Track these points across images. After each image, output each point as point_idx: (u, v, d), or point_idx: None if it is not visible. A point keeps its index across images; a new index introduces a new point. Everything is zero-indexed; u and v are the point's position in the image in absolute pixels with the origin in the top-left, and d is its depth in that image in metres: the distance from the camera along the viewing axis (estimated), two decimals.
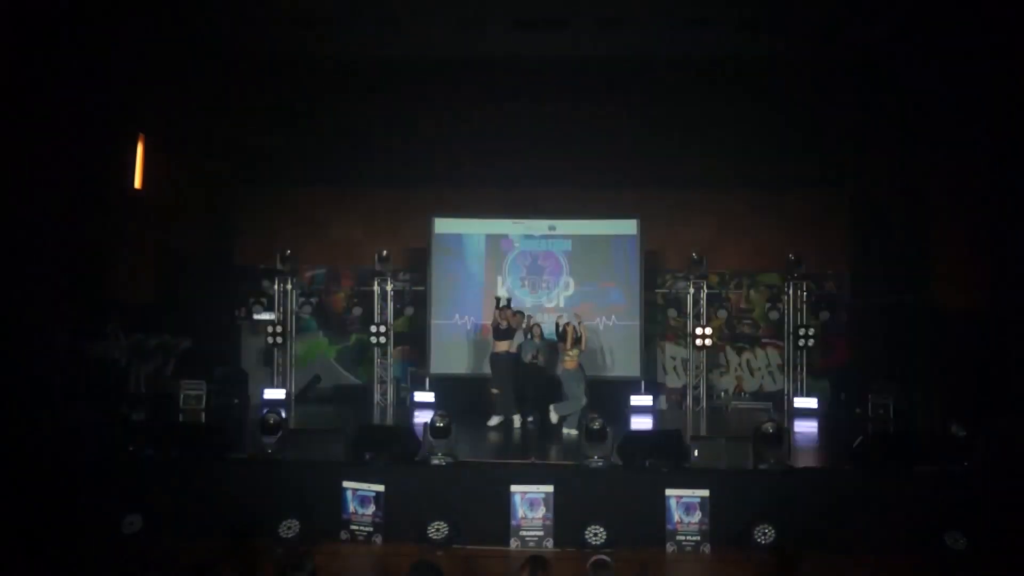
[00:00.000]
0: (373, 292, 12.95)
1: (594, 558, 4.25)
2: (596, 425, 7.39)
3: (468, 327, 12.51)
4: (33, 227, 9.24)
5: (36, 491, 6.87)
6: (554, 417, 9.90)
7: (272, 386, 12.68)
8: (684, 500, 6.93)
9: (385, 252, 12.63)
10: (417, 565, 4.24)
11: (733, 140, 13.23)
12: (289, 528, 6.80)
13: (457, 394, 11.78)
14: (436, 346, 12.62)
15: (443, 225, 13.00)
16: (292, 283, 13.05)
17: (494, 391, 10.57)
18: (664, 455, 7.29)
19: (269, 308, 12.76)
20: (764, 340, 13.85)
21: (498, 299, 11.08)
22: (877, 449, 7.43)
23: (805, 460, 8.15)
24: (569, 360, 10.08)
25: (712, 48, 12.33)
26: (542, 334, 10.76)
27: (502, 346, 10.54)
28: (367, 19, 11.54)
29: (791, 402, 12.43)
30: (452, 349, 12.60)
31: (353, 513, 6.99)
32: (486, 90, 13.14)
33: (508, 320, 10.59)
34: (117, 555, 5.48)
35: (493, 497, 6.98)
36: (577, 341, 10.06)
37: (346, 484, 7.04)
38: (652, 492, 6.98)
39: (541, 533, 6.89)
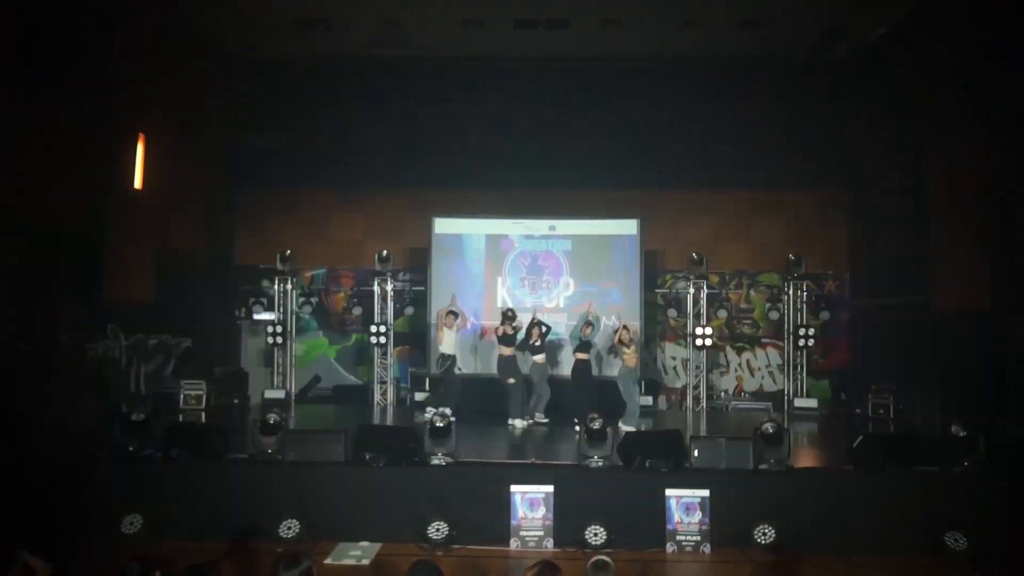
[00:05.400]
0: (373, 292, 12.95)
1: (594, 558, 4.24)
2: (596, 425, 7.39)
3: (468, 327, 12.48)
4: (33, 227, 9.23)
5: (36, 491, 6.87)
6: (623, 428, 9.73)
7: (272, 386, 12.69)
8: (684, 500, 6.94)
9: (385, 252, 12.64)
10: (417, 565, 4.24)
11: (733, 140, 13.24)
12: (289, 528, 6.80)
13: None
14: (436, 346, 12.58)
15: (443, 225, 12.99)
16: (292, 283, 13.05)
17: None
18: (664, 455, 7.29)
19: (269, 308, 12.77)
20: (764, 340, 13.86)
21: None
22: (877, 449, 7.43)
23: (805, 460, 8.16)
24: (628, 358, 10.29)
25: (712, 48, 12.34)
26: (542, 335, 10.74)
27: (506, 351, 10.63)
28: (367, 19, 11.55)
29: (791, 402, 12.43)
30: (452, 349, 12.56)
31: None
32: (486, 90, 13.15)
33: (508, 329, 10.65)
34: (117, 555, 5.47)
35: (493, 497, 6.99)
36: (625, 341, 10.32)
37: None
38: (652, 492, 6.98)
39: (541, 533, 6.90)
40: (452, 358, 11.00)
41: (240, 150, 13.71)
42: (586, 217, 13.06)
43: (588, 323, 10.72)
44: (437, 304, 12.35)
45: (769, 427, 7.34)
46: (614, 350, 10.86)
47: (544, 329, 10.64)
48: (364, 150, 13.53)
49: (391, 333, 12.81)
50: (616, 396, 10.40)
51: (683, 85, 12.91)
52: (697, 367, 12.84)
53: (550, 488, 6.98)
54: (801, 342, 12.50)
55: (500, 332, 10.67)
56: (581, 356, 10.59)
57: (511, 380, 10.48)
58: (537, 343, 10.55)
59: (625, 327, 10.57)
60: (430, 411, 10.34)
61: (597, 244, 12.92)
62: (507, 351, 10.58)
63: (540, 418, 10.55)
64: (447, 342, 11.01)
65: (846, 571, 6.35)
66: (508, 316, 10.79)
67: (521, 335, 10.72)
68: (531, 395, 10.61)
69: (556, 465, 7.66)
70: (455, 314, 11.16)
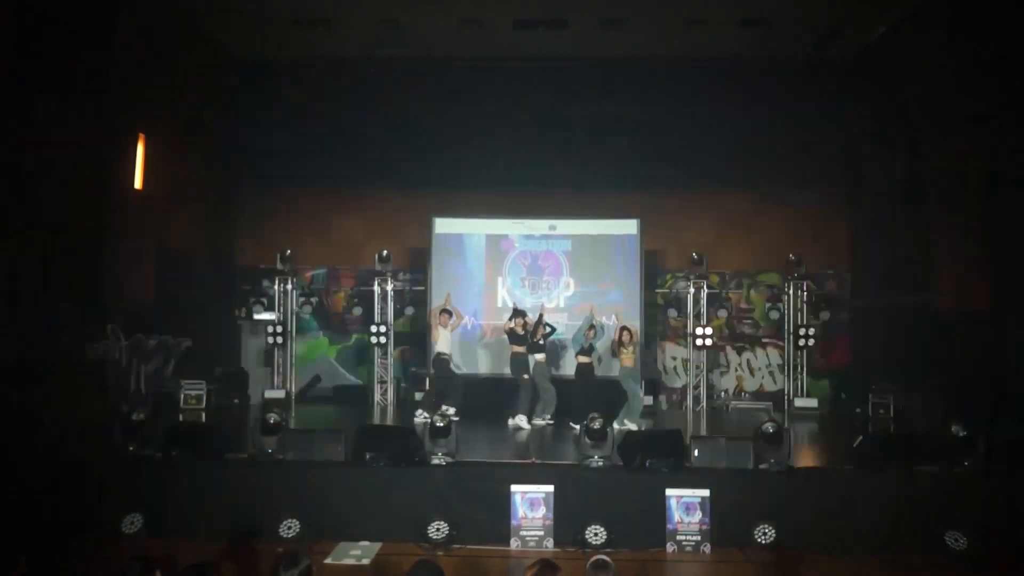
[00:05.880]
0: (373, 292, 12.95)
1: (594, 558, 4.23)
2: (596, 425, 7.38)
3: (469, 327, 12.48)
4: (33, 227, 9.24)
5: (36, 491, 6.87)
6: (631, 425, 9.88)
7: (272, 386, 12.69)
8: (684, 500, 6.93)
9: (385, 252, 12.64)
10: (419, 565, 4.23)
11: (733, 140, 13.23)
12: (289, 528, 6.80)
13: None
14: (432, 345, 12.56)
15: (443, 225, 12.99)
16: (292, 283, 13.05)
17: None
18: (664, 455, 7.29)
19: (269, 308, 12.76)
20: (764, 340, 13.86)
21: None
22: (877, 449, 7.43)
23: (805, 460, 8.15)
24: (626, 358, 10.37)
25: (712, 48, 12.34)
26: (545, 335, 10.74)
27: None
28: (367, 19, 11.55)
29: (791, 402, 12.43)
30: (452, 349, 12.55)
31: None
32: (486, 90, 13.14)
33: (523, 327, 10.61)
34: (117, 555, 5.48)
35: (493, 497, 6.98)
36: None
37: None
38: (652, 492, 6.97)
39: (541, 533, 6.89)
40: (447, 358, 10.87)
41: (240, 150, 13.70)
42: (586, 217, 13.06)
43: (592, 327, 10.65)
44: (437, 304, 12.37)
45: (769, 427, 7.34)
46: (613, 350, 10.86)
47: (548, 329, 10.64)
48: (364, 150, 13.50)
49: (391, 333, 12.81)
50: (619, 392, 10.42)
51: (683, 85, 12.90)
52: (697, 367, 12.85)
53: (550, 488, 6.97)
54: (801, 342, 12.50)
55: (509, 328, 10.60)
56: (583, 360, 10.55)
57: (525, 376, 10.45)
58: (540, 342, 10.54)
59: (627, 328, 10.56)
60: (419, 413, 10.38)
61: (597, 244, 12.92)
62: (519, 349, 10.55)
63: (546, 420, 10.47)
64: (442, 341, 10.84)
65: (846, 571, 6.35)
66: (520, 313, 10.74)
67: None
68: (537, 396, 10.53)
69: (556, 465, 7.66)
70: (449, 312, 11.07)
